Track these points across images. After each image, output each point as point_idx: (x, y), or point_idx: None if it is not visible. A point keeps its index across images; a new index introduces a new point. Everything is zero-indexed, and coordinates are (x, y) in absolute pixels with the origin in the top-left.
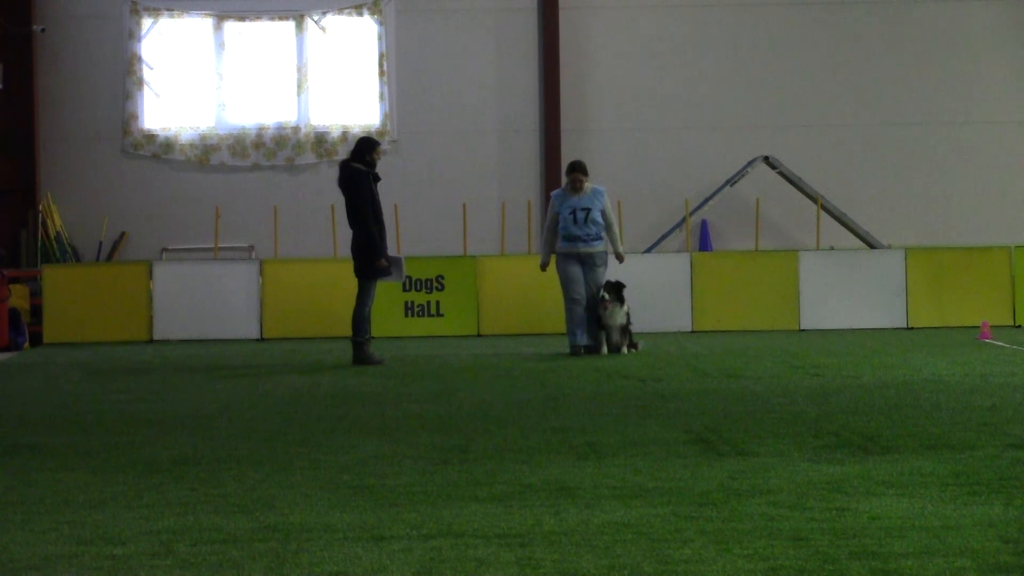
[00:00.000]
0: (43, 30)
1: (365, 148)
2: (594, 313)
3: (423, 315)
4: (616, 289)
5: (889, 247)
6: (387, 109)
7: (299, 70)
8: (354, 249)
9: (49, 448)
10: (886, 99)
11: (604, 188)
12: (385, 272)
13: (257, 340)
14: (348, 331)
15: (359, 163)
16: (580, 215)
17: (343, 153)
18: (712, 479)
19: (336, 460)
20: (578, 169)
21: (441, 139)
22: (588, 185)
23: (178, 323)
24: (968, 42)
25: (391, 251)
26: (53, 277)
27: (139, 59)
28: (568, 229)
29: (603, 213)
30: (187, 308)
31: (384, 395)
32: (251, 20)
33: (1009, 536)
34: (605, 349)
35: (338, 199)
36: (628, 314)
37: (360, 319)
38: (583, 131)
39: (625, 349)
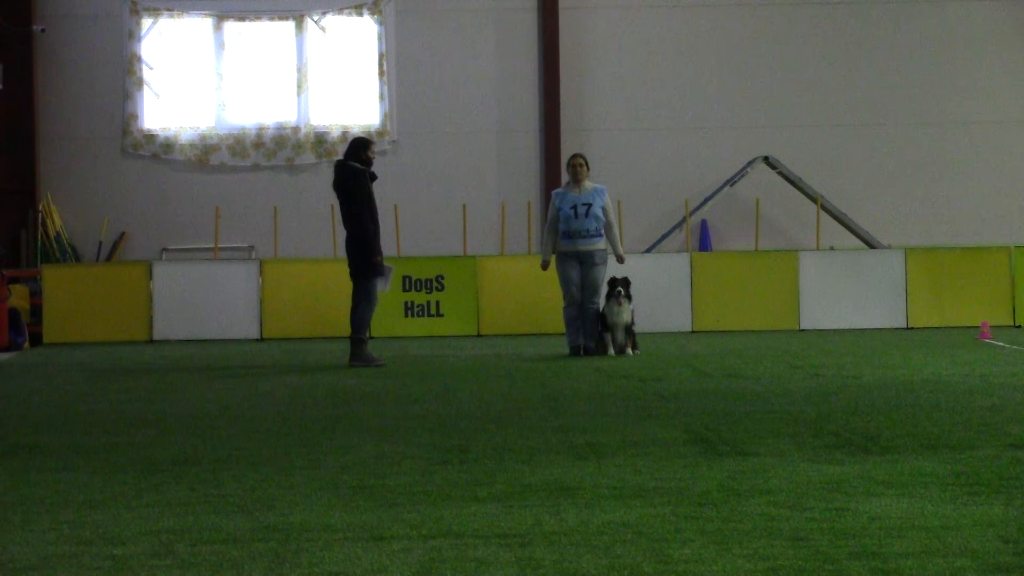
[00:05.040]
0: (43, 30)
1: (360, 147)
2: (591, 315)
3: (423, 315)
4: (626, 285)
5: (889, 247)
6: (387, 109)
7: (299, 70)
8: (349, 249)
9: (49, 448)
10: (886, 99)
11: (606, 188)
12: (378, 272)
13: (257, 340)
14: (347, 331)
15: (355, 162)
16: (582, 209)
17: (343, 153)
18: (712, 479)
19: (336, 460)
20: (579, 156)
21: (441, 139)
22: (589, 183)
23: (178, 323)
24: (968, 42)
25: (385, 256)
26: (53, 277)
27: (139, 59)
28: (569, 224)
29: (604, 211)
30: (187, 308)
31: (384, 395)
32: (251, 20)
33: (1009, 536)
34: (612, 351)
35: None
36: (633, 312)
37: (358, 319)
38: (583, 131)
39: (630, 351)
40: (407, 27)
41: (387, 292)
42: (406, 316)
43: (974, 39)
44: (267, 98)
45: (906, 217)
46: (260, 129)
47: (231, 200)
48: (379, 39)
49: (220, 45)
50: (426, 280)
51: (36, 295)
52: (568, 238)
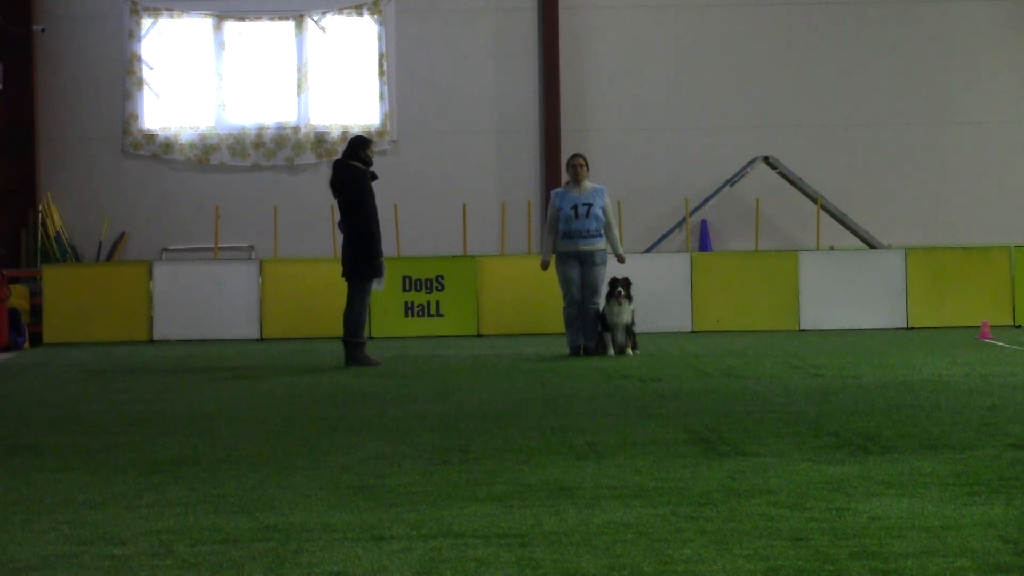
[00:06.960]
0: (43, 30)
1: (359, 146)
2: (591, 315)
3: (423, 315)
4: (627, 285)
5: (889, 247)
6: (387, 109)
7: (299, 70)
8: (353, 248)
9: (49, 448)
10: (886, 99)
11: (605, 188)
12: (378, 272)
13: (257, 340)
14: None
15: (356, 162)
16: (582, 209)
17: (341, 152)
18: (712, 479)
19: (336, 460)
20: (579, 155)
21: (441, 139)
22: (589, 183)
23: (178, 323)
24: (968, 42)
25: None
26: (53, 277)
27: (139, 59)
28: (569, 225)
29: (604, 211)
30: (187, 308)
31: (384, 395)
32: (251, 20)
33: (1009, 536)
34: (612, 351)
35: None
36: (633, 312)
37: (360, 321)
38: (583, 131)
39: (629, 351)
40: (407, 27)
41: (382, 291)
42: (406, 316)
43: (974, 39)
44: (267, 98)
45: (906, 217)
46: (260, 129)
47: (231, 200)
48: (379, 39)
49: (220, 45)
50: (426, 280)
51: (36, 295)
52: (568, 238)
